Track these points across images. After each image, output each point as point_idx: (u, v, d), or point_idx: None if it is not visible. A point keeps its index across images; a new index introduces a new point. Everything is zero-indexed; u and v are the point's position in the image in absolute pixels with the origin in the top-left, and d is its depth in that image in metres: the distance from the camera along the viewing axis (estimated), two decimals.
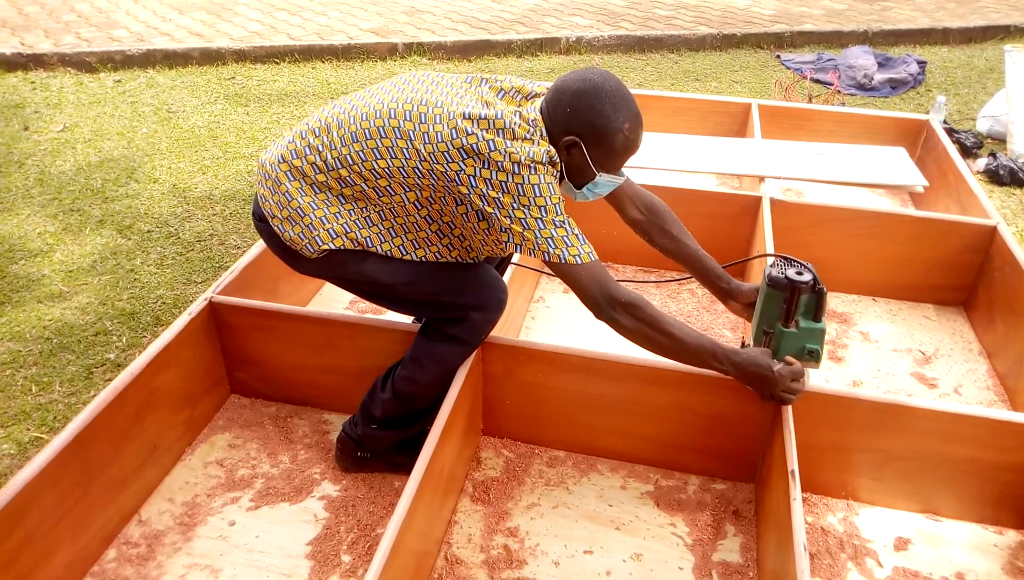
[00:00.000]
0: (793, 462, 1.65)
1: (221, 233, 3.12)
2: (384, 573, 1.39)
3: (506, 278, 2.22)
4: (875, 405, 1.83)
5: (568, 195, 1.73)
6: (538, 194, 1.55)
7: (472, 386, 1.94)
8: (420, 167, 1.58)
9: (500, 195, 1.55)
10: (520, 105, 1.68)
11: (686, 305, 2.70)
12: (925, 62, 5.25)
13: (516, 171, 1.54)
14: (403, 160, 1.58)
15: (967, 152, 4.04)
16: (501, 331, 2.17)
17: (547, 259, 1.59)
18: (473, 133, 1.53)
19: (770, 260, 1.72)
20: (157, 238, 3.08)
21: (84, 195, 3.38)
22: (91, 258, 2.93)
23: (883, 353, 2.51)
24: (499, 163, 1.53)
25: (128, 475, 1.83)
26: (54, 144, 3.85)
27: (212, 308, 2.08)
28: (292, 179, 1.69)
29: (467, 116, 1.55)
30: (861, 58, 5.11)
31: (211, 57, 5.04)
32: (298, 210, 1.69)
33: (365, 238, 1.70)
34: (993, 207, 2.69)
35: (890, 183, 2.92)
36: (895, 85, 4.95)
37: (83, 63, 4.84)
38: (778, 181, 3.07)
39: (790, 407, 1.78)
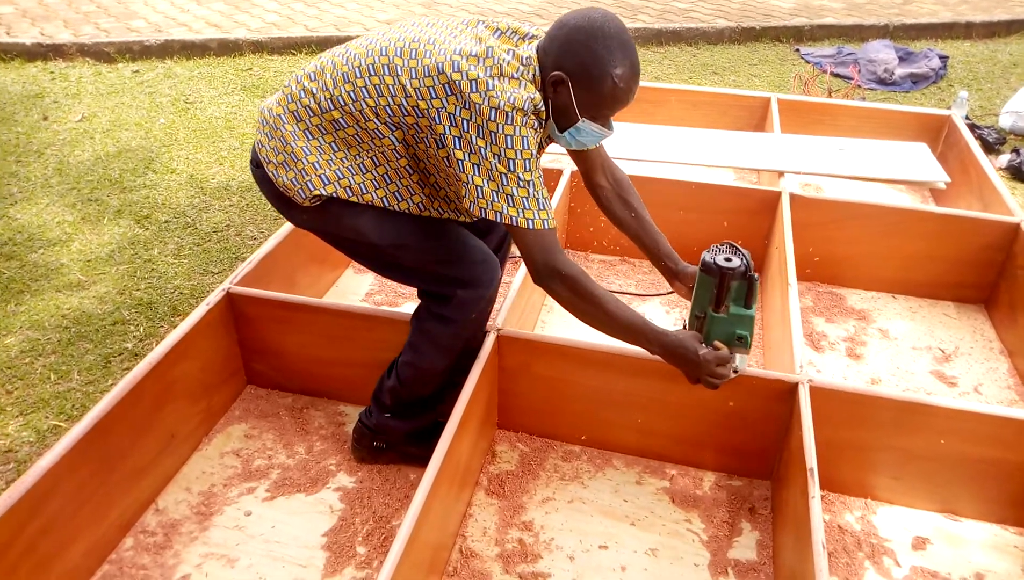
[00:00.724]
0: (811, 459, 1.63)
1: (238, 224, 3.13)
2: (400, 565, 1.39)
3: (516, 283, 2.20)
4: (894, 403, 1.82)
5: (553, 137, 1.67)
6: (508, 146, 1.50)
7: (488, 379, 1.94)
8: (405, 104, 1.55)
9: (475, 137, 1.50)
10: (516, 45, 1.62)
11: None
12: (947, 56, 5.18)
13: (492, 117, 1.48)
14: (389, 97, 1.56)
15: (989, 148, 3.98)
16: (517, 325, 2.17)
17: (499, 219, 1.55)
18: (459, 70, 1.49)
19: (713, 246, 1.71)
20: (174, 228, 3.09)
21: (102, 185, 3.39)
22: (109, 248, 2.95)
23: (902, 351, 2.48)
24: (477, 105, 1.48)
25: (146, 464, 1.84)
26: (73, 134, 3.87)
27: (229, 299, 2.09)
28: (288, 123, 1.68)
29: (459, 52, 1.51)
30: (882, 52, 5.05)
31: (228, 48, 5.05)
32: (292, 155, 1.67)
33: (358, 185, 1.67)
34: (1016, 204, 2.65)
35: (911, 179, 2.89)
36: (916, 80, 4.89)
37: (102, 53, 4.86)
38: (797, 176, 3.05)
39: (809, 404, 1.77)
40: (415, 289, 1.88)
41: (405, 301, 2.63)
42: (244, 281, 2.14)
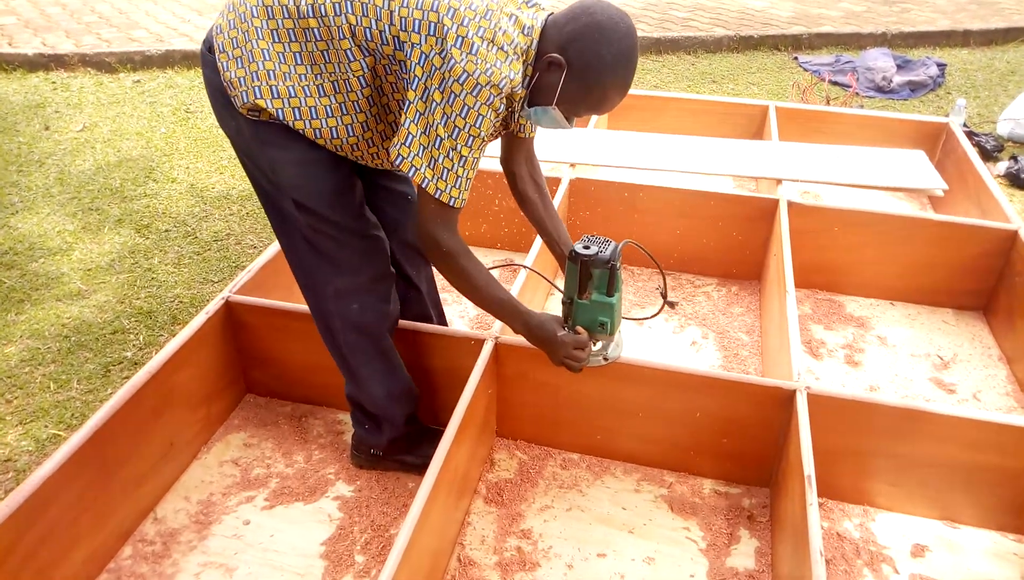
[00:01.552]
0: (809, 467, 1.63)
1: (238, 233, 3.13)
2: (398, 574, 1.39)
3: (518, 283, 2.21)
4: (892, 410, 1.82)
5: (522, 113, 1.62)
6: (461, 115, 1.44)
7: (486, 387, 1.94)
8: (387, 31, 1.46)
9: (434, 88, 1.44)
10: (521, 8, 1.55)
11: (701, 307, 2.68)
12: (945, 64, 5.20)
13: (461, 80, 1.42)
14: (374, 20, 1.46)
15: (987, 155, 3.99)
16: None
17: (411, 175, 1.51)
18: (453, 18, 1.42)
19: (585, 237, 1.76)
20: (175, 237, 3.10)
21: (103, 194, 3.41)
22: (109, 257, 2.96)
23: (901, 358, 2.48)
24: (452, 62, 1.41)
25: (145, 473, 1.84)
26: (74, 144, 3.89)
27: (229, 307, 2.09)
28: (258, 16, 1.53)
29: None
30: (880, 60, 5.06)
31: None
32: (250, 53, 1.54)
33: (309, 109, 1.56)
34: (1014, 211, 2.65)
35: (909, 186, 2.90)
36: (914, 87, 4.91)
37: (103, 64, 4.89)
38: (795, 184, 3.06)
39: (807, 412, 1.77)
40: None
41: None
42: (244, 290, 2.14)
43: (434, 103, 1.45)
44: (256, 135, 1.61)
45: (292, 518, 1.87)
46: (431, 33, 1.43)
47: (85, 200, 3.36)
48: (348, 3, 1.47)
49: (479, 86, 1.43)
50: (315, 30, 1.50)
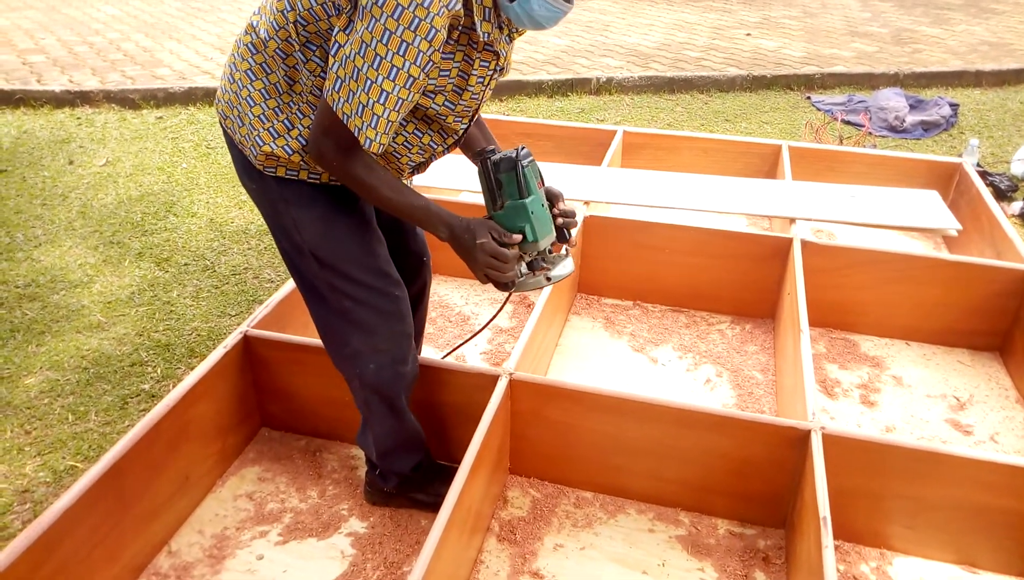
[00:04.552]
0: (825, 508, 1.62)
1: (256, 267, 3.18)
2: None
3: (530, 326, 2.22)
4: (909, 452, 1.81)
5: (503, 10, 1.42)
6: (383, 42, 1.28)
7: (500, 423, 1.95)
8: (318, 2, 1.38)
9: (357, 21, 1.31)
10: None
11: (715, 345, 2.69)
12: (957, 105, 5.23)
13: (380, 3, 1.26)
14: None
15: (1001, 195, 3.99)
16: (529, 368, 2.18)
17: (326, 96, 1.38)
18: None
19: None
20: (193, 271, 3.14)
21: (124, 228, 3.47)
22: (129, 290, 3.00)
23: (916, 398, 2.47)
24: None
25: (159, 506, 1.85)
26: (97, 178, 3.97)
27: (247, 342, 2.12)
28: (240, 61, 1.54)
29: None
30: (892, 100, 5.10)
31: None
32: (243, 105, 1.55)
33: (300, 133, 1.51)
34: None
35: (923, 226, 2.90)
36: (927, 127, 4.94)
37: (127, 100, 5.00)
38: (809, 222, 3.07)
39: (822, 452, 1.76)
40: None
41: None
42: (261, 324, 2.17)
43: (355, 35, 1.32)
44: (281, 195, 1.62)
45: (305, 554, 1.87)
46: None
47: (107, 233, 3.42)
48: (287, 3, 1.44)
49: (400, 7, 1.26)
50: (278, 49, 1.48)
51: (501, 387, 1.93)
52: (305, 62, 1.48)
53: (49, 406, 2.39)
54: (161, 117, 4.88)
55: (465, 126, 1.62)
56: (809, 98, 5.52)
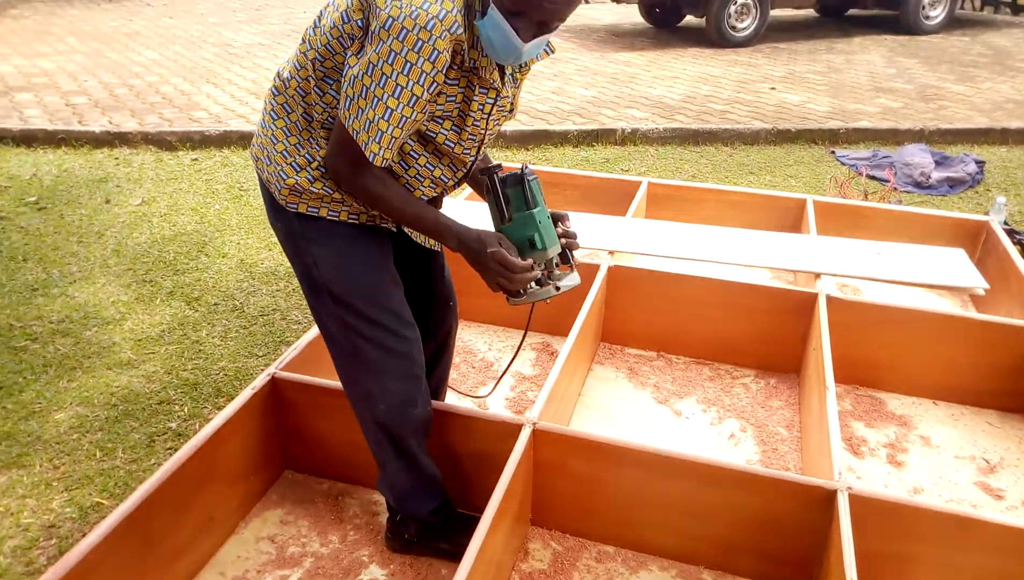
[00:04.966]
0: (852, 572, 1.60)
1: (284, 308, 3.22)
2: None
3: (553, 375, 2.22)
4: (938, 515, 1.78)
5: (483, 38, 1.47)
6: (388, 62, 1.38)
7: (523, 474, 1.95)
8: (346, 12, 1.48)
9: (367, 44, 1.42)
10: None
11: (740, 399, 2.67)
12: (983, 161, 5.22)
13: (387, 26, 1.36)
14: (336, 12, 1.50)
15: None
16: (552, 418, 2.18)
17: (346, 124, 1.48)
18: None
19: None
20: (223, 311, 3.20)
21: (157, 267, 3.54)
22: (159, 328, 3.06)
23: (945, 460, 2.43)
24: (378, 11, 1.38)
25: (183, 546, 1.86)
26: (132, 217, 4.07)
27: (274, 383, 2.14)
28: (268, 105, 1.68)
29: None
30: (918, 156, 5.11)
31: None
32: (270, 143, 1.66)
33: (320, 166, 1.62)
34: None
35: (950, 284, 2.89)
36: (953, 184, 4.93)
37: (164, 141, 5.15)
38: (834, 278, 3.07)
39: (848, 513, 1.74)
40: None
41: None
42: (289, 366, 2.20)
43: (364, 57, 1.42)
44: (302, 231, 1.70)
45: None
46: (361, 5, 1.45)
47: (140, 272, 3.49)
48: (311, 32, 1.57)
49: (404, 30, 1.36)
50: (298, 87, 1.59)
51: (524, 437, 1.93)
52: (322, 95, 1.58)
53: (78, 442, 2.42)
54: (196, 159, 5.00)
55: (473, 158, 1.69)
56: (834, 152, 5.55)
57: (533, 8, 1.40)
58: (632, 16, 10.50)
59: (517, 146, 5.50)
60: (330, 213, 1.68)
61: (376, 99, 1.42)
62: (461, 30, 1.41)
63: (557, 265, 1.69)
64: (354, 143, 1.48)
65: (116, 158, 4.95)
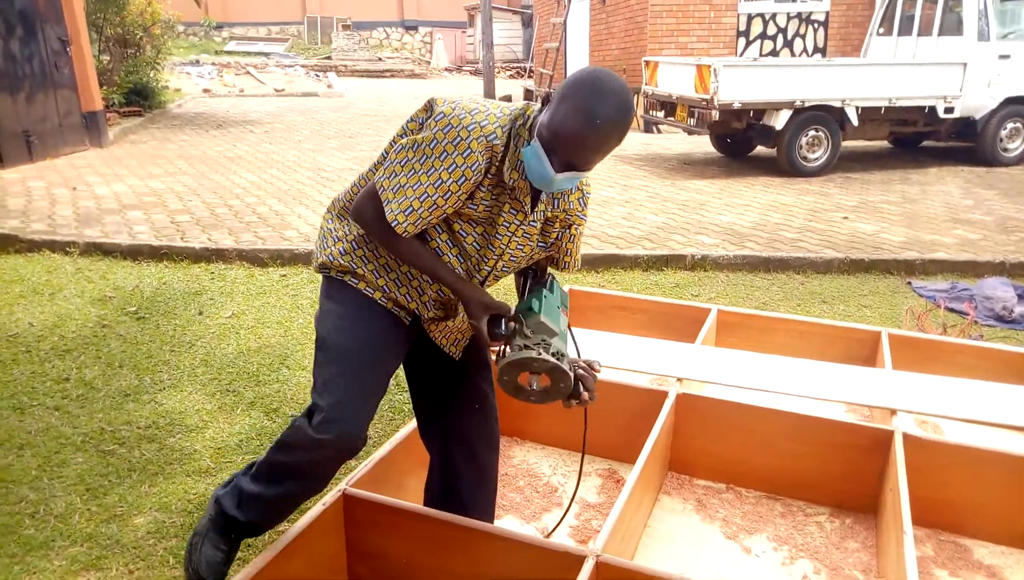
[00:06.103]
0: None
1: None
2: None
3: (619, 504, 2.21)
4: None
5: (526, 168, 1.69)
6: (431, 147, 1.65)
7: None
8: (406, 126, 1.79)
9: (416, 135, 1.70)
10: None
11: (813, 539, 2.57)
12: None
13: (438, 119, 1.65)
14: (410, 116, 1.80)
15: None
16: (616, 551, 2.16)
17: (382, 168, 1.74)
18: (444, 99, 1.72)
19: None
20: None
21: (240, 377, 3.72)
22: (239, 437, 3.18)
23: None
24: (438, 114, 1.67)
25: None
26: (222, 329, 4.31)
27: (345, 499, 2.20)
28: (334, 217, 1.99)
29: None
30: (999, 289, 4.99)
31: None
32: (327, 219, 1.99)
33: (363, 253, 1.90)
34: None
35: None
36: None
37: (257, 258, 5.49)
38: (911, 415, 2.98)
39: None
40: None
41: (506, 514, 2.67)
42: (360, 483, 2.26)
43: (413, 136, 1.71)
44: (326, 291, 1.97)
45: None
46: (424, 108, 1.76)
47: (224, 381, 3.67)
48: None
49: (450, 125, 1.64)
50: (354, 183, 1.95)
51: (587, 570, 1.91)
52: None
53: (153, 547, 2.50)
54: (285, 275, 5.31)
55: (488, 269, 1.86)
56: (910, 283, 5.48)
57: (562, 149, 1.62)
58: (704, 145, 10.80)
59: (587, 269, 5.63)
60: (352, 279, 1.91)
61: (413, 172, 1.67)
62: (498, 142, 1.66)
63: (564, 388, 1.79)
64: (380, 202, 1.73)
65: (212, 273, 5.30)
